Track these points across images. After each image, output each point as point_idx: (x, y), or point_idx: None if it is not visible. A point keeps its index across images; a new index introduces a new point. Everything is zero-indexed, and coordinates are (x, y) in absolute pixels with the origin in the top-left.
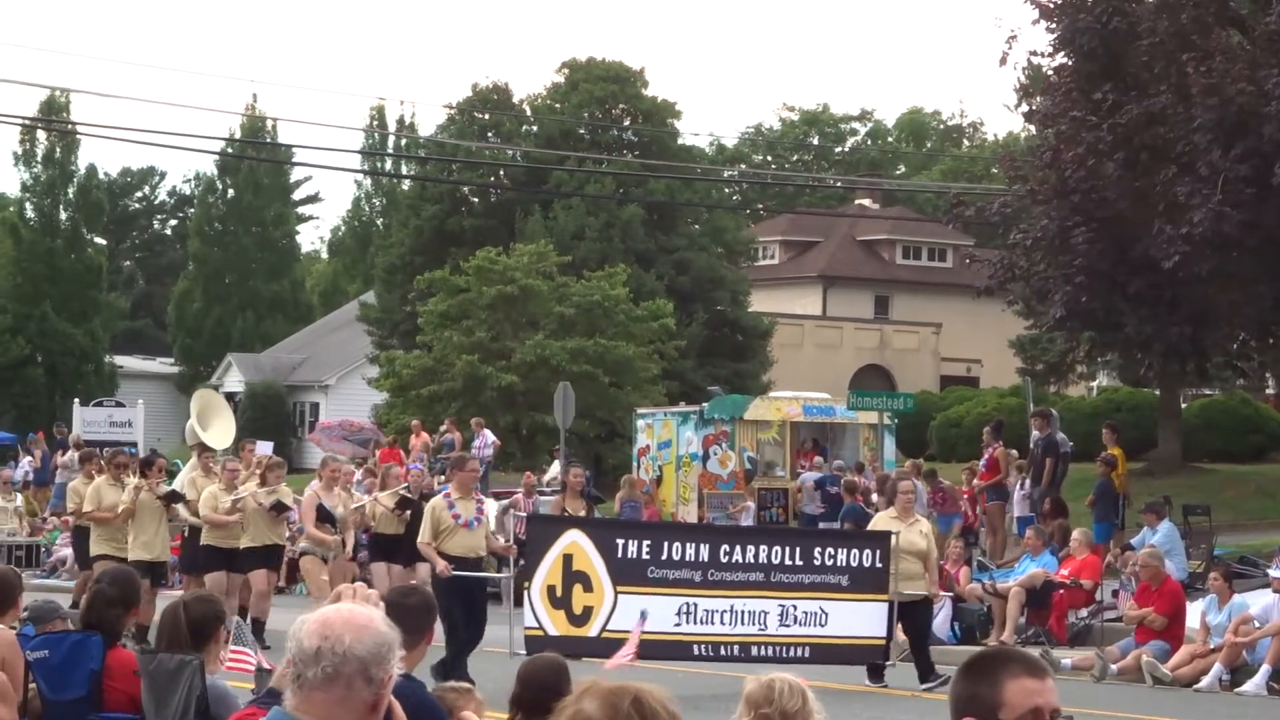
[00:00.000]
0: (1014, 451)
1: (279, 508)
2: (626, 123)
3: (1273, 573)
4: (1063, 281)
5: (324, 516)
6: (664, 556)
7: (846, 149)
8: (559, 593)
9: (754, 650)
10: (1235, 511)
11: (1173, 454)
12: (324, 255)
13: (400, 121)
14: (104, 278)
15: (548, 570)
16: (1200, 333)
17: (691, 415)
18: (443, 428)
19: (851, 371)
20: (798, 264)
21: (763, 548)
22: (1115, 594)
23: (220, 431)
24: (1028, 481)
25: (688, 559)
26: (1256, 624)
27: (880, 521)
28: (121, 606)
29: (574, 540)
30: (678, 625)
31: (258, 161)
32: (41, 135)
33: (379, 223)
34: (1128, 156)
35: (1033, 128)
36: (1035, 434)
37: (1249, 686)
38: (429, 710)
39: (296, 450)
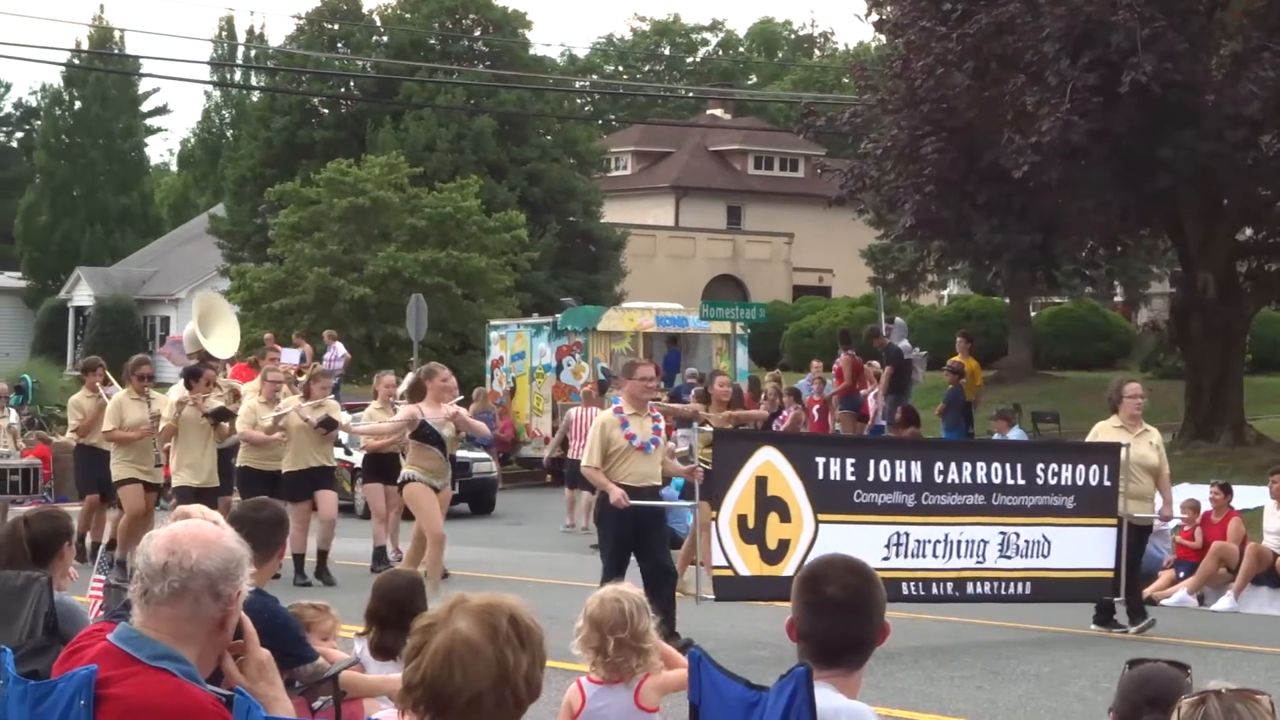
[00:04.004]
0: (874, 363)
1: (328, 424)
2: (477, 33)
3: None
4: (913, 191)
5: (428, 437)
6: (870, 477)
7: (698, 59)
8: (750, 523)
9: (969, 588)
10: (1084, 418)
11: (1022, 361)
12: (173, 168)
13: (249, 32)
14: None
15: (738, 497)
16: (1049, 241)
17: (545, 327)
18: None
19: (704, 282)
20: (650, 175)
21: (980, 465)
22: None
23: (224, 338)
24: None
25: (898, 479)
26: None
27: (1102, 431)
28: None
29: (768, 460)
30: (886, 560)
31: (105, 73)
32: None
33: (229, 134)
34: (977, 66)
35: (883, 37)
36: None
37: None
38: (281, 624)
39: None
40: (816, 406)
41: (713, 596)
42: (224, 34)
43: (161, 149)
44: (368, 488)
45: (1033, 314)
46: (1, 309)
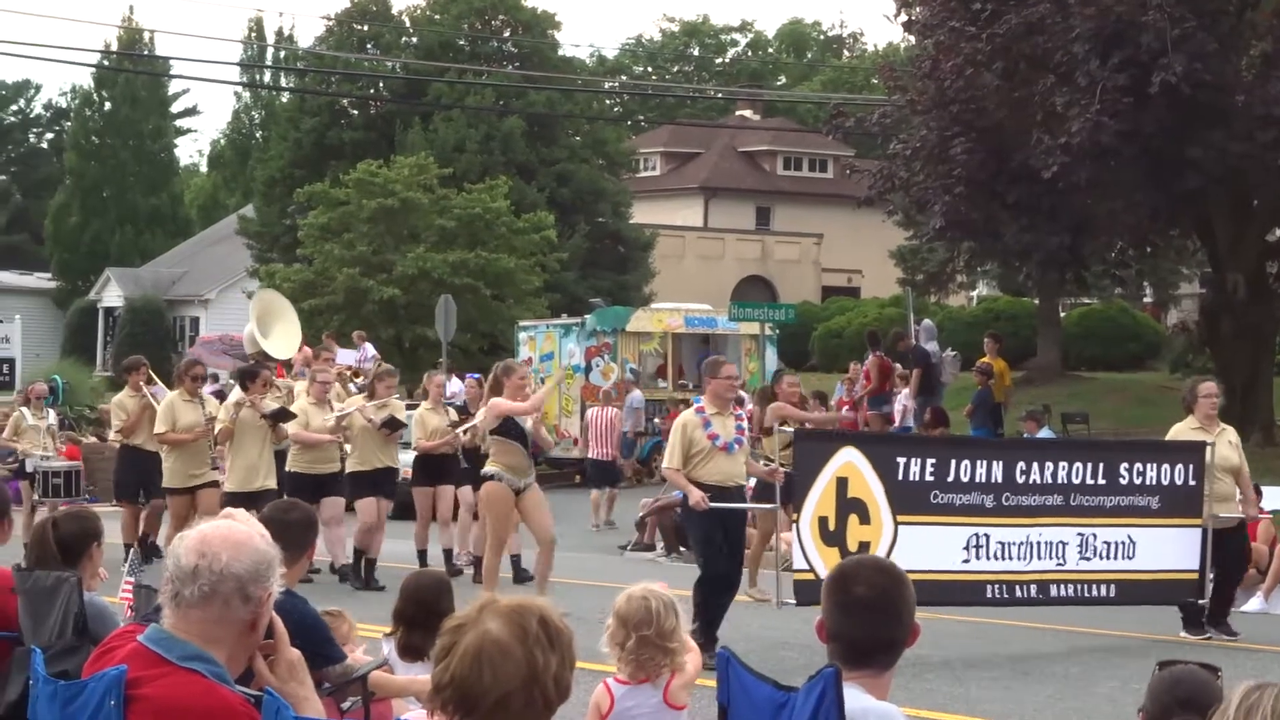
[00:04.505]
0: (898, 365)
1: (392, 425)
2: (506, 34)
3: None
4: (942, 191)
5: (510, 432)
6: (950, 478)
7: (727, 60)
8: (831, 525)
9: (1053, 590)
10: (1113, 419)
11: (1052, 362)
12: (203, 168)
13: (279, 33)
14: None
15: (819, 498)
16: (1079, 242)
17: (574, 327)
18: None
19: (733, 282)
20: (679, 175)
21: (1061, 464)
22: None
23: (283, 338)
24: (907, 392)
25: (978, 480)
26: None
27: (1181, 433)
28: None
29: (849, 460)
30: (967, 562)
31: (135, 74)
32: None
33: (258, 135)
34: (1006, 66)
35: (912, 38)
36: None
37: None
38: (310, 624)
39: (176, 365)
40: (846, 407)
41: (794, 601)
42: (253, 35)
43: (191, 150)
44: (416, 491)
45: (1062, 315)
46: (31, 310)
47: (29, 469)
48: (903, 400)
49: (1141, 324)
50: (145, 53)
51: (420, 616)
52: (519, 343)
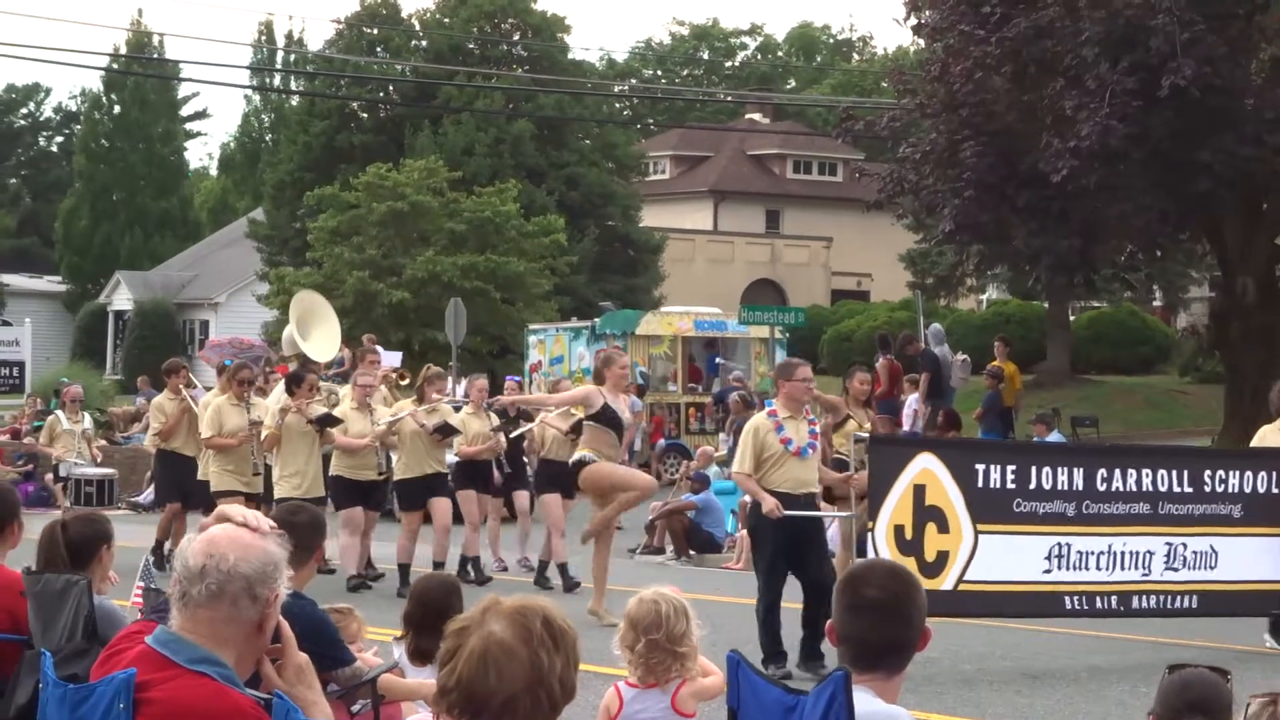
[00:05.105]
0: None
1: (445, 431)
2: (516, 37)
3: None
4: (952, 195)
5: (610, 420)
6: (1032, 485)
7: (737, 63)
8: (908, 534)
9: (1135, 601)
10: (1123, 423)
11: (1061, 366)
12: (213, 172)
13: (288, 37)
14: None
15: (895, 505)
16: (1089, 245)
17: (583, 331)
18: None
19: (743, 286)
20: (689, 179)
21: (1146, 471)
22: None
23: (323, 340)
24: (917, 396)
25: (1059, 487)
26: None
27: (1269, 436)
28: None
29: (926, 467)
30: (1048, 572)
31: (144, 77)
32: None
33: (268, 139)
34: (1015, 70)
35: (921, 41)
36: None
37: None
38: (319, 627)
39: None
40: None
41: None
42: (263, 38)
43: (201, 153)
44: (461, 494)
45: (1071, 318)
46: (41, 313)
47: (62, 474)
48: (912, 404)
49: (1151, 327)
50: (155, 56)
51: (428, 620)
52: (529, 346)
